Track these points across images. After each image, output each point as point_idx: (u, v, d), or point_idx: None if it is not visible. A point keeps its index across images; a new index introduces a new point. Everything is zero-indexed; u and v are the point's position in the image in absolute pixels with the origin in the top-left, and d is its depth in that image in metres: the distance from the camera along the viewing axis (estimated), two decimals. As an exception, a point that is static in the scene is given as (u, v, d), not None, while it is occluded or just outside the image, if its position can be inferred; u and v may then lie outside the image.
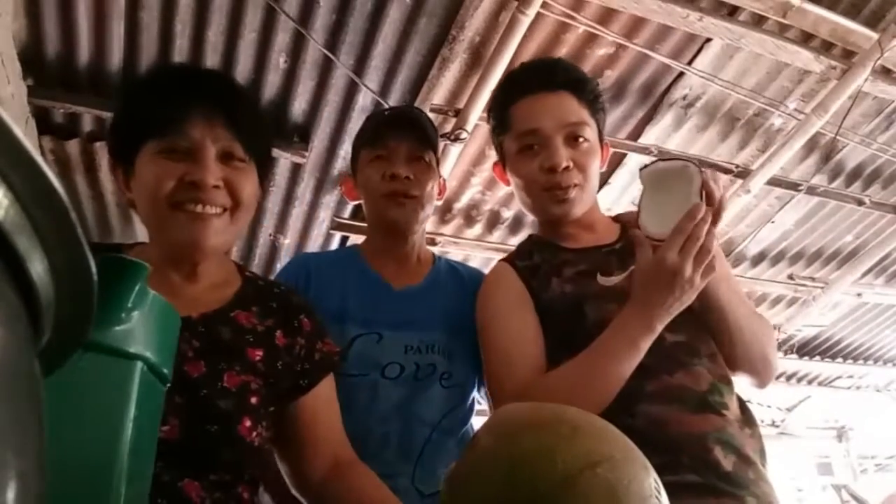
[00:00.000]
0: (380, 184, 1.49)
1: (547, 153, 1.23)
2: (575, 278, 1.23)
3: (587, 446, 0.64)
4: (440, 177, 1.61)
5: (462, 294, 1.47)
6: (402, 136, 1.50)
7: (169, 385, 0.65)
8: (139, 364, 0.60)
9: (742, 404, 1.22)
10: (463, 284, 1.53)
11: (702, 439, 1.09)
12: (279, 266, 3.65)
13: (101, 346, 0.57)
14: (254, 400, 1.00)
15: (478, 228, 3.71)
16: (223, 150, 1.02)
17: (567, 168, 1.22)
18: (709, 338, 1.21)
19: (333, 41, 2.60)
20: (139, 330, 0.60)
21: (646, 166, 1.13)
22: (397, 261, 1.56)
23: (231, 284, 1.11)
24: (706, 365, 1.17)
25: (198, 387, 0.96)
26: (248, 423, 0.97)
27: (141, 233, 3.21)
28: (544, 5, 2.53)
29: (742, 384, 1.25)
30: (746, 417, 1.20)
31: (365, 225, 1.73)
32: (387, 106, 2.79)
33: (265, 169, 1.11)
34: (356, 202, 1.71)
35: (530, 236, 1.43)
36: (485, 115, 2.87)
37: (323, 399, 1.13)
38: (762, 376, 1.25)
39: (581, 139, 1.24)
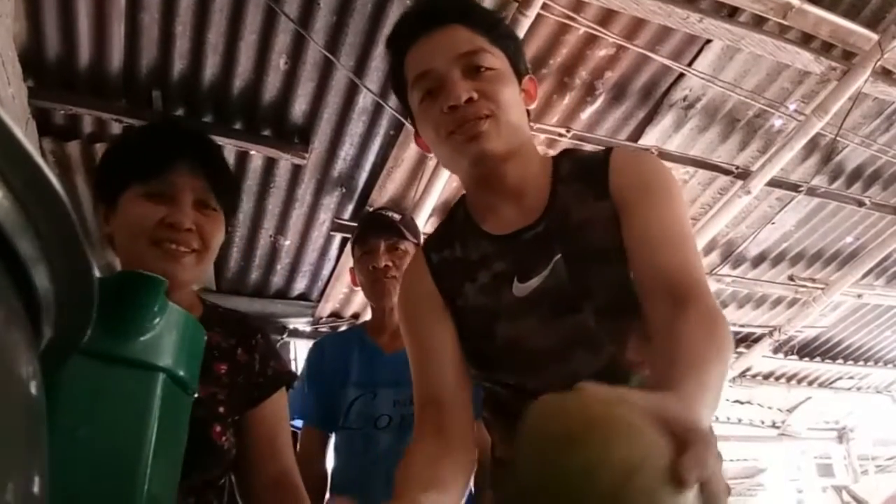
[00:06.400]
0: (367, 275, 1.97)
1: (444, 92, 1.05)
2: (489, 286, 1.10)
3: (622, 454, 0.63)
4: None
5: None
6: (380, 234, 1.98)
7: (196, 394, 0.68)
8: (161, 375, 0.62)
9: None
10: None
11: None
12: (279, 267, 3.66)
13: (124, 358, 0.60)
14: (221, 409, 1.14)
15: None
16: (198, 198, 1.17)
17: (471, 100, 1.03)
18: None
19: (334, 42, 2.60)
20: (161, 342, 0.63)
21: None
22: (389, 331, 1.98)
23: (194, 310, 1.24)
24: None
25: None
26: (217, 429, 1.11)
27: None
28: (544, 6, 2.53)
29: None
30: None
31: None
32: (387, 107, 2.83)
33: (231, 219, 1.28)
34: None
35: (460, 205, 1.23)
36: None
37: (272, 415, 1.25)
38: None
39: (483, 68, 1.06)
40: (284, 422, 1.29)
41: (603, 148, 1.19)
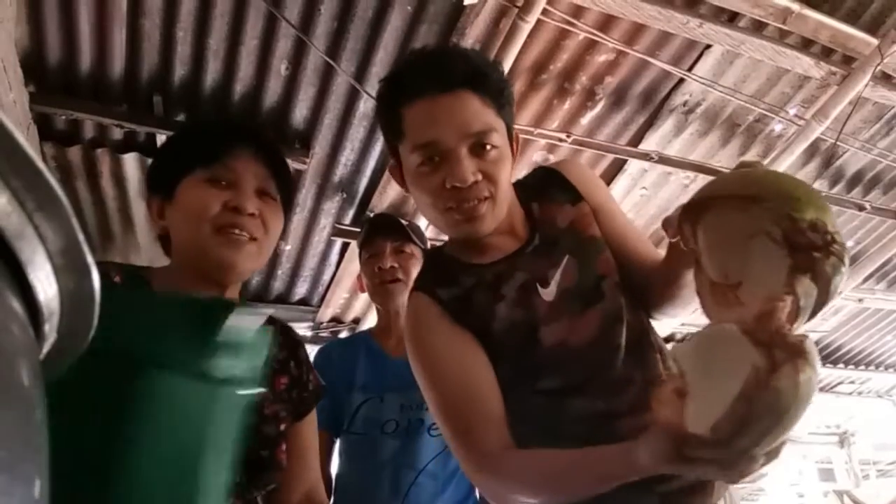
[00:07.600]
0: (373, 277, 1.98)
1: (449, 168, 1.05)
2: (519, 299, 1.11)
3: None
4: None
5: None
6: (387, 237, 2.00)
7: (256, 399, 0.71)
8: (225, 388, 0.65)
9: None
10: None
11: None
12: (279, 272, 3.66)
13: (197, 373, 0.64)
14: (283, 427, 1.14)
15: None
16: (260, 185, 1.16)
17: (475, 182, 1.06)
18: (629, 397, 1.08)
19: (335, 48, 2.61)
20: (227, 357, 0.66)
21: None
22: (395, 335, 1.96)
23: None
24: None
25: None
26: (283, 447, 1.12)
27: (142, 242, 3.22)
28: (545, 12, 2.53)
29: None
30: None
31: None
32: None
33: (287, 210, 1.27)
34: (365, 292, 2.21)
35: (443, 251, 1.25)
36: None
37: (308, 429, 1.25)
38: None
39: (488, 146, 1.07)
40: (315, 436, 1.28)
41: (538, 166, 1.34)
